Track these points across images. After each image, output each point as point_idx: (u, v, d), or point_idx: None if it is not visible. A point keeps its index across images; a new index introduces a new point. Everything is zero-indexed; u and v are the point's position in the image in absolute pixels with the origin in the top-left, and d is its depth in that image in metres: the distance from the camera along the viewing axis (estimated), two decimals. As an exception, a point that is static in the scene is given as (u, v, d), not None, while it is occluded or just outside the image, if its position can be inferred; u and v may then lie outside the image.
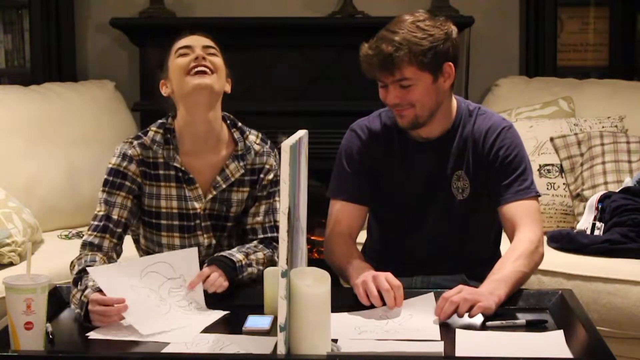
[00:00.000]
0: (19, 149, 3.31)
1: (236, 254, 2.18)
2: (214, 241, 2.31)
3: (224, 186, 2.29)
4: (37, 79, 3.81)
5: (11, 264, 2.79)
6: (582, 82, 3.77)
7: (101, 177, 2.28)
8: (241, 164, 2.30)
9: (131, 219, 2.28)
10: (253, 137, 2.35)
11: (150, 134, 2.29)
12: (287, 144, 1.63)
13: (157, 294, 2.01)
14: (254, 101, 3.90)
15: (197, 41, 2.27)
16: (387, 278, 2.00)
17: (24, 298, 1.71)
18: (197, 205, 2.28)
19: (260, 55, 3.92)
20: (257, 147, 2.33)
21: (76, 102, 3.57)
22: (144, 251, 2.38)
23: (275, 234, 2.29)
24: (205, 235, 2.30)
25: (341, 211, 2.31)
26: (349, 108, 3.82)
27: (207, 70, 2.22)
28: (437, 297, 2.03)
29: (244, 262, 2.17)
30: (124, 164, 2.26)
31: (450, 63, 2.18)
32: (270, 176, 2.32)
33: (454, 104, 2.28)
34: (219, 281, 2.09)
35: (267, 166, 2.32)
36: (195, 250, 2.13)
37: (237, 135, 2.32)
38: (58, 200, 3.35)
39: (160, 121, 2.32)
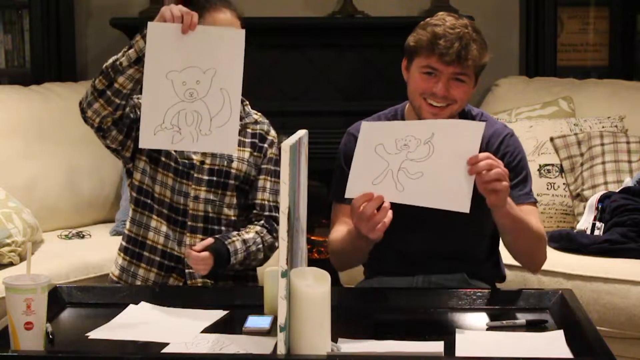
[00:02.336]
0: (19, 149, 3.31)
1: (239, 254, 2.26)
2: (202, 195, 2.34)
3: None
4: (37, 79, 3.81)
5: (11, 264, 2.80)
6: (582, 82, 3.77)
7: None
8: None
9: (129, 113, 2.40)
10: (252, 110, 2.46)
11: None
12: (287, 144, 1.63)
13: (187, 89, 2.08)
14: (254, 101, 3.89)
15: None
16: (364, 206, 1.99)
17: (24, 298, 1.70)
18: (193, 156, 2.34)
19: (260, 55, 3.91)
20: (256, 116, 2.47)
21: (76, 102, 3.50)
22: (128, 237, 2.39)
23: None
24: (193, 186, 2.34)
25: (343, 214, 2.31)
26: (349, 108, 3.81)
27: None
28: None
29: (238, 258, 2.26)
30: None
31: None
32: (275, 150, 2.43)
33: None
34: (201, 268, 2.20)
35: (270, 137, 2.45)
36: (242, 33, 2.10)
37: None
38: (58, 200, 3.35)
39: None
